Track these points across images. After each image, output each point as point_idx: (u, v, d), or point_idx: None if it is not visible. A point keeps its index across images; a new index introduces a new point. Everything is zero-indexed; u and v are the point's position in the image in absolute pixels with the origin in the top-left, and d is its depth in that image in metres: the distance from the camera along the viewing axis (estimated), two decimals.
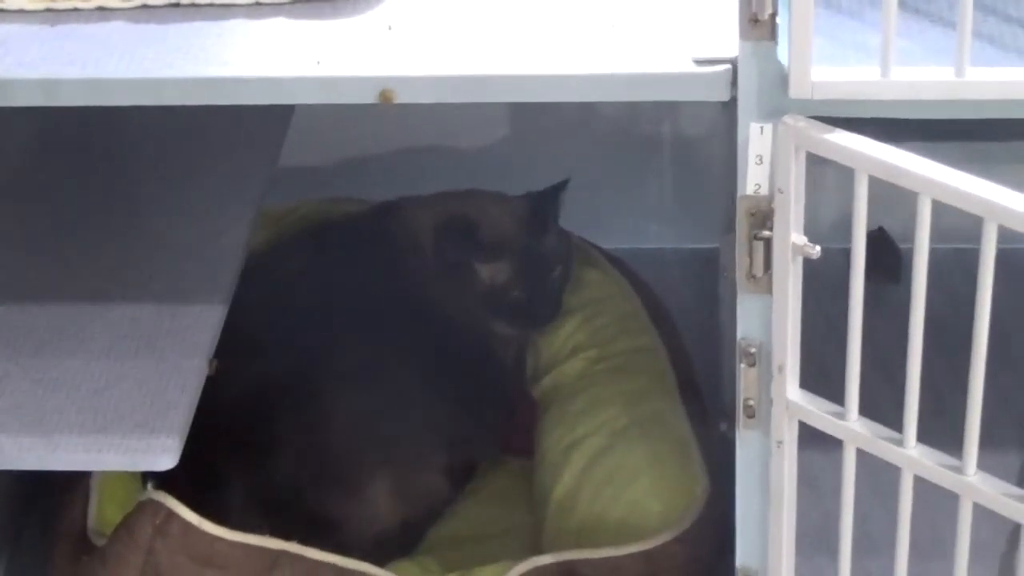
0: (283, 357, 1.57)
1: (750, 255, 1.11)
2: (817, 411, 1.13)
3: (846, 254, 1.63)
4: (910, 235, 1.77)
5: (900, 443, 1.10)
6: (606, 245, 1.84)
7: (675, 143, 1.98)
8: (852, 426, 1.12)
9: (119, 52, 1.14)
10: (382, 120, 1.93)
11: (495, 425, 1.68)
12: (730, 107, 1.11)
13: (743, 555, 1.23)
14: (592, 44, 1.13)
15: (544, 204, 1.71)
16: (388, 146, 1.98)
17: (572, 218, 1.76)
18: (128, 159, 1.64)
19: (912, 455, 1.10)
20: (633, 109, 1.95)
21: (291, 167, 1.74)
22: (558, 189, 1.72)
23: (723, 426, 1.63)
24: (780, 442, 1.15)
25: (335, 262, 1.66)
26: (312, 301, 1.62)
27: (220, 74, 1.11)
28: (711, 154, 1.92)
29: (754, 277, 1.12)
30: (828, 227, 1.53)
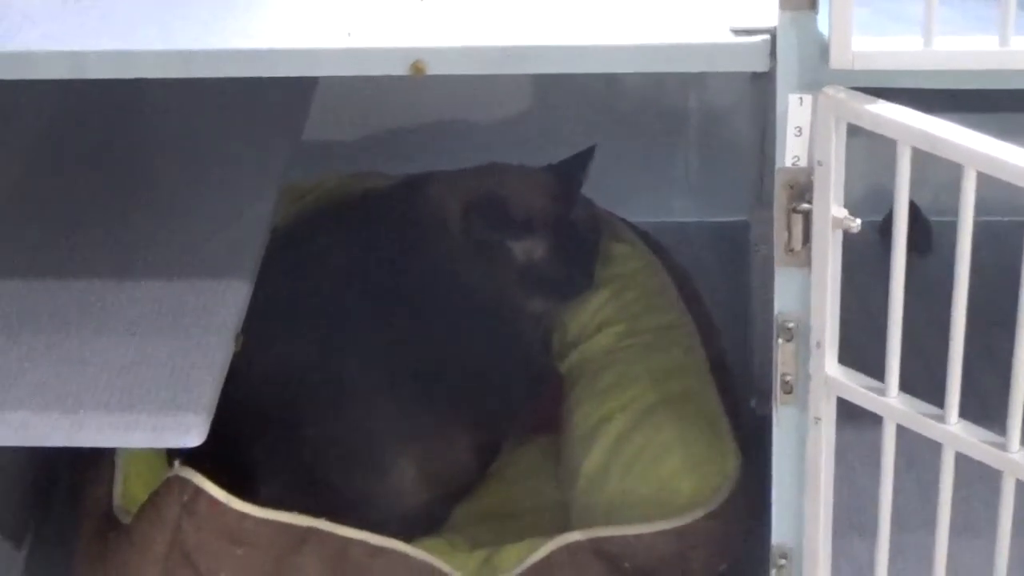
0: (308, 335, 1.55)
1: (788, 228, 1.09)
2: (856, 387, 1.11)
3: (873, 227, 1.59)
4: (937, 208, 1.75)
5: (941, 419, 1.08)
6: (630, 219, 1.82)
7: (701, 115, 1.96)
8: (892, 402, 1.10)
9: (146, 24, 1.13)
10: (405, 94, 1.91)
11: (522, 402, 1.66)
12: (758, 78, 1.09)
13: (778, 533, 1.22)
14: (627, 14, 1.11)
15: (570, 174, 1.70)
16: (411, 120, 1.97)
17: (596, 192, 1.74)
18: (150, 135, 1.63)
19: (954, 431, 1.08)
20: (658, 81, 1.93)
21: (314, 141, 1.72)
22: (584, 158, 1.70)
23: (753, 402, 1.61)
24: (818, 418, 1.14)
25: (359, 238, 1.65)
26: (337, 277, 1.61)
27: (250, 46, 1.10)
28: (737, 126, 1.90)
29: (792, 250, 1.10)
30: (854, 199, 1.52)
